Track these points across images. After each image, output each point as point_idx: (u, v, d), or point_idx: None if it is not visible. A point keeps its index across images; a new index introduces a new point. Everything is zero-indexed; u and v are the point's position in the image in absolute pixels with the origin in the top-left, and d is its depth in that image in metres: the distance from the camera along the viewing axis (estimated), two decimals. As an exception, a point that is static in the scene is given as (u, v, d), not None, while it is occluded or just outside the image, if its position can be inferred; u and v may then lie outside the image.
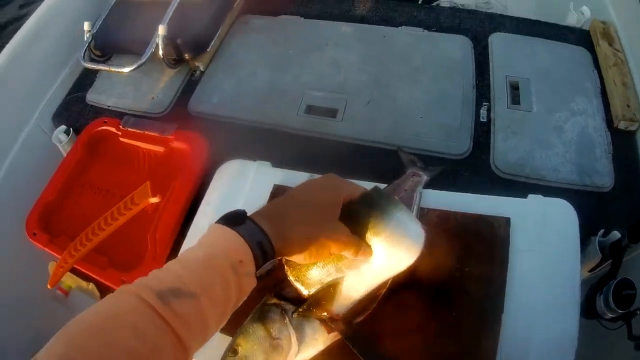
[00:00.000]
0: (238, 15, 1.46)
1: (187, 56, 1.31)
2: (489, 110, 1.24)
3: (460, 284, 0.74)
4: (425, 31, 1.35)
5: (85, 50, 1.29)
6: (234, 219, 0.53)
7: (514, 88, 1.28)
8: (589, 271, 1.11)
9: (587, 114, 1.31)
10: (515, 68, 1.31)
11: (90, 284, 1.09)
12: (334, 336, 0.64)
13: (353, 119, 1.20)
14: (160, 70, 1.35)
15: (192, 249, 0.52)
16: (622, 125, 1.31)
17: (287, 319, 0.61)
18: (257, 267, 0.52)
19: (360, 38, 1.34)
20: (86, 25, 1.31)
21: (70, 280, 1.11)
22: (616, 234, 1.04)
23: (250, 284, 0.52)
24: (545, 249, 0.76)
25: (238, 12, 1.46)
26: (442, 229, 0.81)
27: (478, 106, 1.25)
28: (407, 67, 1.27)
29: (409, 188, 0.85)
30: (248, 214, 0.55)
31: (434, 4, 1.59)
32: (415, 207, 0.82)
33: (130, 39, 1.32)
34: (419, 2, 1.55)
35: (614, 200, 1.18)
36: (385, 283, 0.67)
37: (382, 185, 0.84)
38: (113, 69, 1.27)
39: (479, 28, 1.37)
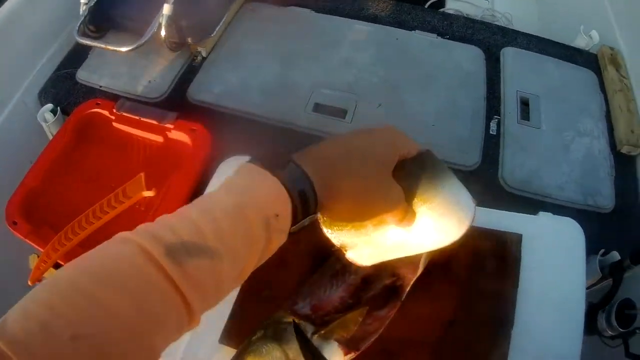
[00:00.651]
0: (245, 1, 1.40)
1: (190, 40, 1.24)
2: (499, 123, 1.22)
3: (471, 297, 0.72)
4: (439, 38, 1.32)
5: (80, 24, 1.20)
6: (274, 160, 0.44)
7: (524, 104, 1.27)
8: (586, 288, 1.13)
9: (593, 135, 1.31)
10: (526, 84, 1.30)
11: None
12: (350, 357, 0.60)
13: (363, 121, 1.17)
14: (158, 52, 1.27)
15: (217, 193, 0.42)
16: (625, 149, 1.32)
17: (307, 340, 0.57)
18: (294, 222, 0.43)
19: (373, 38, 1.30)
20: (83, -3, 1.22)
21: (53, 278, 1.02)
22: (615, 255, 1.06)
23: (280, 241, 0.43)
24: (554, 267, 0.76)
25: None
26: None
27: (488, 119, 1.22)
28: (419, 73, 1.24)
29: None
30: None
31: (441, 9, 1.57)
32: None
33: (130, 16, 1.25)
34: (425, 6, 1.53)
35: (614, 222, 1.20)
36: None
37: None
38: (110, 47, 1.18)
39: (491, 40, 1.35)
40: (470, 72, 1.26)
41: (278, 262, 0.65)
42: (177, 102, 1.21)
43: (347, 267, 0.70)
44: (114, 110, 1.09)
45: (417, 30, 1.33)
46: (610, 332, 0.96)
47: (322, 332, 0.58)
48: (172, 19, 1.17)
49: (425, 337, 0.68)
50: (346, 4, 1.42)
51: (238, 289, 0.70)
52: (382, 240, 0.55)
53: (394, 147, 0.52)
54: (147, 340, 0.34)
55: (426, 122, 1.18)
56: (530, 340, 0.67)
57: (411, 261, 0.66)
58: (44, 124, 1.19)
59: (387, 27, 1.33)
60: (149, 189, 0.94)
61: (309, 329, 0.59)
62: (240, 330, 0.65)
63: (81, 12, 1.22)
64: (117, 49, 1.17)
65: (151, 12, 1.16)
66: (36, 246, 0.93)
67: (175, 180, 0.98)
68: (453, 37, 1.33)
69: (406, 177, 0.55)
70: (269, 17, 1.37)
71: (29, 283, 0.89)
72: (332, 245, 0.55)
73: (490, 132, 1.21)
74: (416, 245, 0.56)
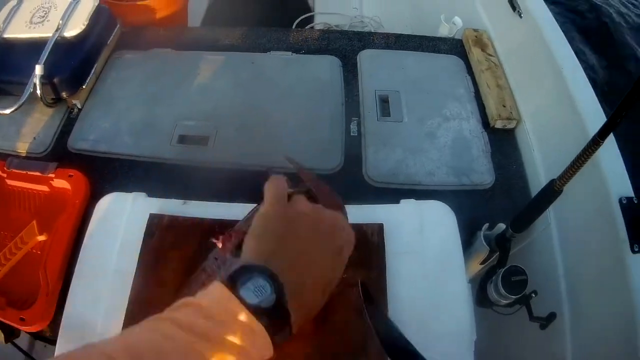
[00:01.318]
0: (113, 51, 1.47)
1: (64, 94, 1.32)
2: (359, 124, 1.27)
3: (340, 291, 0.71)
4: (294, 54, 1.38)
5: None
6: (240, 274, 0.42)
7: (384, 101, 1.32)
8: (480, 264, 1.16)
9: (462, 117, 1.35)
10: (384, 82, 1.35)
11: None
12: None
13: (224, 145, 1.23)
14: (39, 110, 1.36)
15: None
16: (499, 124, 1.36)
17: None
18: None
19: (229, 66, 1.37)
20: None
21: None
22: (501, 226, 1.09)
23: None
24: (425, 248, 0.79)
25: (112, 47, 1.47)
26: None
27: (348, 122, 1.27)
28: (276, 91, 1.30)
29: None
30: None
31: (308, 27, 1.63)
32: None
33: (7, 79, 1.32)
34: (293, 26, 1.58)
35: (496, 195, 1.23)
36: None
37: (252, 206, 0.82)
38: (-7, 111, 1.26)
39: (347, 47, 1.41)
40: (328, 81, 1.32)
41: (158, 282, 0.77)
42: (59, 153, 1.29)
43: (212, 276, 0.73)
44: (5, 169, 1.17)
45: (271, 51, 1.38)
46: (504, 301, 0.97)
47: None
48: (45, 77, 1.26)
49: (302, 330, 0.70)
50: (203, 39, 1.49)
51: (123, 314, 0.75)
52: None
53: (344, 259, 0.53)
54: None
55: (287, 136, 1.23)
56: (409, 323, 0.68)
57: None
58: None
59: (243, 53, 1.39)
60: (41, 234, 1.06)
61: None
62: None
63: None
64: (0, 112, 1.26)
65: (27, 74, 1.25)
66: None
67: (62, 223, 1.07)
68: (309, 51, 1.38)
69: None
70: (135, 63, 1.43)
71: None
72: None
73: (352, 134, 1.25)
74: None
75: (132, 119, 1.30)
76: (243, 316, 0.39)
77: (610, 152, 1.01)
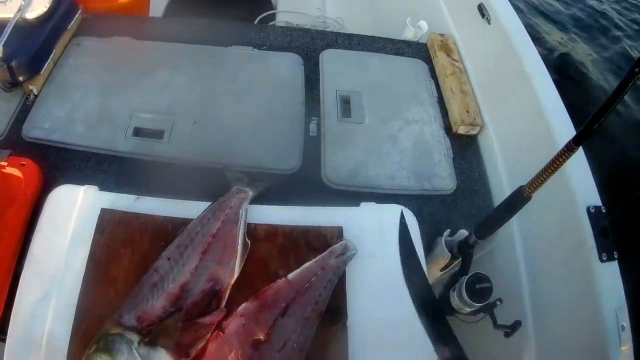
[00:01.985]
0: (72, 36, 1.42)
1: (21, 78, 1.28)
2: (318, 124, 1.24)
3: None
4: (255, 50, 1.34)
5: None
6: None
7: (345, 102, 1.30)
8: (440, 270, 1.15)
9: (424, 122, 1.34)
10: (346, 82, 1.33)
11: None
12: None
13: (180, 140, 1.21)
14: None
15: None
16: (461, 130, 1.35)
17: (134, 349, 0.64)
18: None
19: (189, 58, 1.33)
20: None
21: None
22: (463, 232, 1.08)
23: None
24: (385, 252, 0.80)
25: (72, 33, 1.43)
26: (270, 243, 0.83)
27: (308, 121, 1.23)
28: (235, 86, 1.27)
29: (234, 205, 0.88)
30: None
31: (270, 23, 1.60)
32: (242, 223, 0.84)
33: None
34: (255, 22, 1.55)
35: (458, 201, 1.22)
36: None
37: (207, 204, 0.88)
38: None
39: (310, 45, 1.38)
40: (288, 79, 1.29)
41: (108, 280, 0.78)
42: (13, 140, 1.24)
43: (164, 277, 0.76)
44: (-43, 155, 1.14)
45: (233, 46, 1.34)
46: (467, 309, 0.95)
47: (146, 339, 0.65)
48: (3, 60, 1.20)
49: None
50: (165, 29, 1.45)
51: (73, 312, 0.75)
52: None
53: None
54: None
55: (243, 132, 1.20)
56: (370, 327, 0.70)
57: (226, 265, 0.76)
58: None
59: (204, 45, 1.35)
60: (-9, 225, 1.00)
61: (134, 338, 0.66)
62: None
63: None
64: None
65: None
66: None
67: (12, 214, 1.03)
68: (271, 47, 1.36)
69: None
70: (94, 50, 1.40)
71: None
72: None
73: (311, 134, 1.22)
74: None
75: (88, 109, 1.27)
76: None
77: (578, 161, 1.01)
